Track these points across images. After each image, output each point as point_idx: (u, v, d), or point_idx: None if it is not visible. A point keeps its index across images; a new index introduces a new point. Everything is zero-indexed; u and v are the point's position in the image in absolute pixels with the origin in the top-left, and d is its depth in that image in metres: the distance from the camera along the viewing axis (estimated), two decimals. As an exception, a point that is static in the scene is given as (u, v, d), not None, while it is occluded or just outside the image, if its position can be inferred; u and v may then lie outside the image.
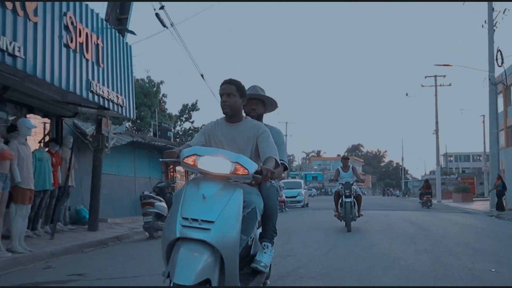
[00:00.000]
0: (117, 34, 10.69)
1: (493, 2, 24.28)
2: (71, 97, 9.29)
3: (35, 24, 7.18)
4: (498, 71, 26.44)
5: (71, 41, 8.30)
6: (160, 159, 3.67)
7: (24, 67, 6.93)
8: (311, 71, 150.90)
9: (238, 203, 3.14)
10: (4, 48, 6.44)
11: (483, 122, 49.81)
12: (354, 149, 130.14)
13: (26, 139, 7.72)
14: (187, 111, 33.56)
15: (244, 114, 3.97)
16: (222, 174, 3.21)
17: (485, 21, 24.84)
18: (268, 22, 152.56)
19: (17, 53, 6.67)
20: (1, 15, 6.40)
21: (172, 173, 21.20)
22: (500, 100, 41.85)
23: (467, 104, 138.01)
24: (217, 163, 3.22)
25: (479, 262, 6.38)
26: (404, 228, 11.80)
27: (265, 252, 3.71)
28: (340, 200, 11.31)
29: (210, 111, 35.82)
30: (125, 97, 10.96)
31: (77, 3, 8.50)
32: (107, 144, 11.73)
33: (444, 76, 41.44)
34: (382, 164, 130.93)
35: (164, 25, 13.24)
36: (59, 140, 10.84)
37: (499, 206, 19.70)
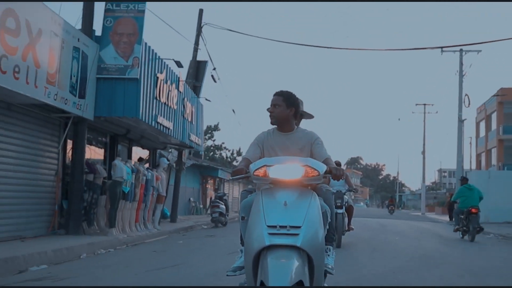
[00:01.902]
0: (198, 99, 17.19)
1: (463, 57, 30.69)
2: (174, 141, 15.71)
3: (175, 110, 13.68)
4: (466, 111, 32.68)
5: (185, 113, 14.80)
6: (231, 177, 3.80)
7: (170, 133, 13.41)
8: (313, 83, 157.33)
9: (317, 207, 3.30)
10: (167, 126, 12.92)
11: (470, 143, 56.38)
12: (354, 162, 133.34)
13: (162, 169, 14.12)
14: (210, 131, 39.86)
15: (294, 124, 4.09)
16: (295, 179, 3.36)
17: (457, 71, 31.27)
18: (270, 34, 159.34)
19: (170, 127, 13.16)
20: (168, 110, 12.89)
21: (205, 184, 27.84)
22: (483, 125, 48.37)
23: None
24: (288, 169, 3.36)
25: (404, 238, 12.69)
26: (375, 227, 18.09)
27: (328, 255, 3.77)
28: None
29: (227, 131, 41.91)
30: (200, 137, 17.44)
31: (194, 98, 15.07)
32: (184, 167, 18.16)
33: (432, 104, 48.22)
34: (380, 177, 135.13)
35: (215, 81, 19.47)
36: (155, 164, 17.22)
37: (451, 216, 25.57)
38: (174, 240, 11.86)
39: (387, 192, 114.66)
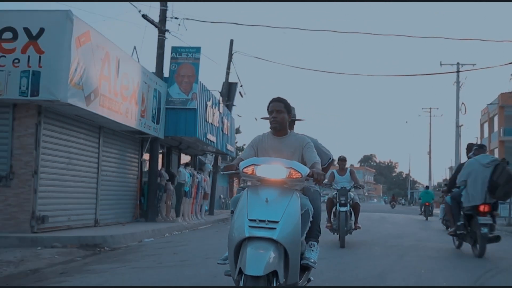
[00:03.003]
0: (231, 115, 21.17)
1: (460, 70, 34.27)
2: (211, 149, 19.68)
3: (217, 127, 17.68)
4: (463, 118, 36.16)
5: (224, 128, 18.80)
6: (222, 172, 4.45)
7: (213, 145, 17.41)
8: (323, 81, 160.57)
9: (297, 205, 3.64)
10: (212, 140, 16.91)
11: (476, 142, 59.77)
12: (367, 159, 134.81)
13: (207, 172, 18.10)
14: (233, 134, 44.04)
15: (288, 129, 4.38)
16: (279, 179, 3.69)
17: (455, 81, 34.84)
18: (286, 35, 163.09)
19: (214, 140, 17.15)
20: (213, 128, 16.88)
21: (232, 183, 31.91)
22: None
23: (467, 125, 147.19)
24: (273, 170, 3.69)
25: (393, 225, 16.52)
26: (376, 219, 21.84)
27: (312, 250, 4.05)
28: (334, 209, 9.75)
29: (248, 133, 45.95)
30: (233, 145, 21.43)
31: (229, 115, 19.12)
32: (219, 170, 22.16)
33: (437, 108, 51.77)
34: (394, 174, 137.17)
35: (242, 96, 23.44)
36: (196, 167, 21.22)
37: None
38: (221, 226, 15.85)
39: (400, 189, 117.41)
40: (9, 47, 8.76)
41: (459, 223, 8.31)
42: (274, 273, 3.35)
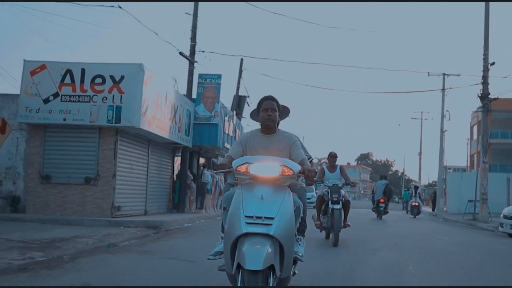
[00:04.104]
0: (241, 124, 25.04)
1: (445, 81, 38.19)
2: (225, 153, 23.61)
3: (232, 136, 21.57)
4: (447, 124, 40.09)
5: (236, 136, 22.69)
6: (214, 171, 4.34)
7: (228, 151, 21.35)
8: (320, 81, 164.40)
9: (290, 201, 3.81)
10: (228, 147, 20.83)
11: (467, 144, 63.74)
12: (364, 158, 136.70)
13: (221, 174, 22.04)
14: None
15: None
16: (272, 177, 3.83)
17: (441, 90, 38.79)
18: (280, 33, 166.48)
19: (229, 147, 21.09)
20: (229, 137, 20.79)
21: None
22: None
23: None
24: (267, 167, 3.83)
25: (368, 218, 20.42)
26: (362, 213, 25.69)
27: (299, 244, 4.21)
28: (323, 207, 9.72)
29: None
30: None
31: (239, 124, 23.03)
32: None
33: (428, 112, 55.78)
34: (390, 173, 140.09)
35: (248, 105, 27.27)
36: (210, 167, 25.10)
37: (433, 208, 33.11)
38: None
39: (395, 187, 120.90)
40: (100, 89, 12.65)
41: None
42: (271, 267, 3.52)
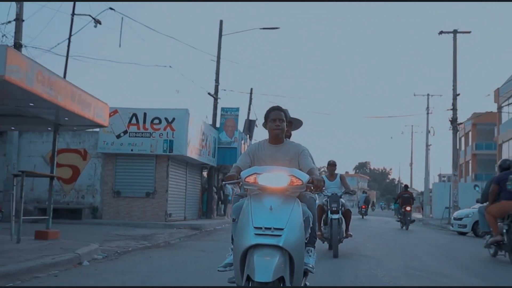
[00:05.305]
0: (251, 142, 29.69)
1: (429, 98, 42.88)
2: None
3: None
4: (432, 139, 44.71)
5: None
6: (223, 182, 4.55)
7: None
8: (320, 88, 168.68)
9: (299, 212, 3.77)
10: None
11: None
12: (362, 166, 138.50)
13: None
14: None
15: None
16: (281, 187, 3.79)
17: (426, 108, 43.48)
18: (275, 42, 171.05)
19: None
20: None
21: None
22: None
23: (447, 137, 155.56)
24: (275, 178, 3.79)
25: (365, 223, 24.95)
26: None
27: (310, 256, 4.19)
28: (324, 216, 9.49)
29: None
30: (253, 166, 30.00)
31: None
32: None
33: (418, 125, 60.38)
34: (387, 181, 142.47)
35: (257, 126, 31.92)
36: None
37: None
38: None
39: (392, 195, 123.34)
40: (157, 127, 17.36)
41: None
42: (281, 279, 3.45)
